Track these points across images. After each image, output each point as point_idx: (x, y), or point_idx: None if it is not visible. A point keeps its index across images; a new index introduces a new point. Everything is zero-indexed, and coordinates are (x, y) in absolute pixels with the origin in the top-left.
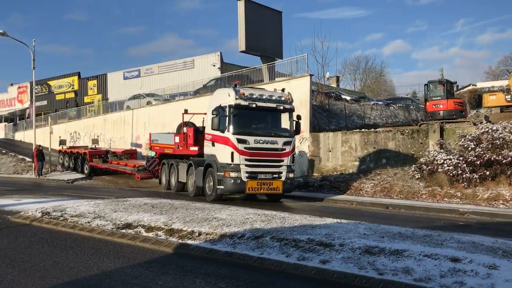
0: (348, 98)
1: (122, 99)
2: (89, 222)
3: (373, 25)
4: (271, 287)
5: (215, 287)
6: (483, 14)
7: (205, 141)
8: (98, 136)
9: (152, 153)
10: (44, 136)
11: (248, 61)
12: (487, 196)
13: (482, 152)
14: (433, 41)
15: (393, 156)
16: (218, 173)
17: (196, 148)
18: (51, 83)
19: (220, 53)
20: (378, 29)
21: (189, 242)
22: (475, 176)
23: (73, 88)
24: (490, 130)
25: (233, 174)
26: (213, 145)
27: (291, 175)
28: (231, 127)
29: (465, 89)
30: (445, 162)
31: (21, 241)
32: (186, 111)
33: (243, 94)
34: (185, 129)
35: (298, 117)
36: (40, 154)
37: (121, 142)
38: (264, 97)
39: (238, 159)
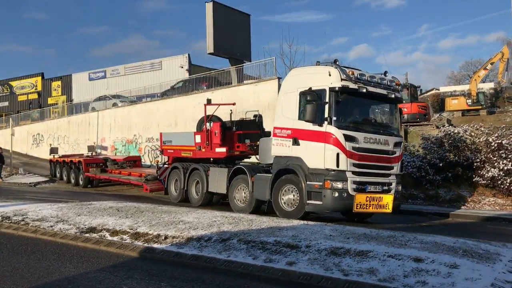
0: None
1: (87, 101)
2: (51, 226)
3: (338, 30)
4: None
5: None
6: (445, 19)
7: (274, 138)
8: (90, 141)
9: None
10: (5, 138)
11: (216, 63)
12: (449, 197)
13: (444, 155)
14: (397, 46)
15: None
16: (309, 183)
17: (223, 150)
18: (13, 83)
19: (188, 54)
20: (343, 34)
21: (155, 245)
22: (437, 178)
23: (36, 89)
24: (452, 133)
25: (337, 185)
26: (295, 143)
27: (399, 187)
28: (334, 119)
29: (429, 93)
30: (409, 164)
31: None
32: (209, 102)
33: (352, 74)
34: (208, 125)
35: (400, 110)
36: None
37: (86, 144)
38: (374, 80)
39: (345, 163)
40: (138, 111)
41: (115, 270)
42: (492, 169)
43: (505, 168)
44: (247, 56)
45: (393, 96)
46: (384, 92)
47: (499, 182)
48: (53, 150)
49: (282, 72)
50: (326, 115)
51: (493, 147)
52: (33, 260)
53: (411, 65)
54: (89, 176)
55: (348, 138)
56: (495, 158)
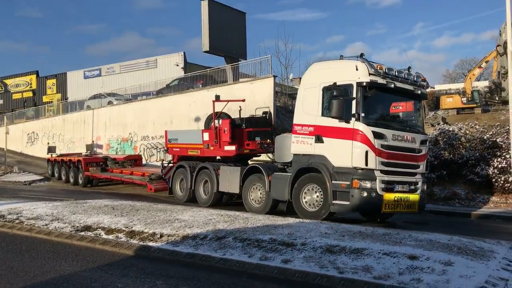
0: None
1: (82, 99)
2: (46, 225)
3: (333, 28)
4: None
5: None
6: (440, 17)
7: (294, 135)
8: (85, 140)
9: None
10: (0, 136)
11: (212, 61)
12: (444, 195)
13: (439, 153)
14: (392, 44)
15: None
16: (334, 182)
17: (233, 148)
18: (8, 81)
19: (184, 53)
20: (338, 32)
21: (151, 244)
22: (432, 175)
23: (31, 87)
24: (446, 131)
25: (366, 184)
26: (318, 140)
27: (425, 186)
28: (362, 115)
29: None
30: None
31: None
32: (218, 98)
33: (380, 69)
34: (217, 122)
35: (424, 107)
36: None
37: (81, 142)
38: (401, 75)
39: (374, 162)
40: (133, 109)
41: (110, 269)
42: (487, 167)
43: (500, 166)
44: (242, 54)
45: (419, 92)
46: (411, 88)
47: (494, 180)
48: (51, 149)
49: (277, 70)
50: (353, 111)
51: (487, 145)
52: (27, 259)
53: (406, 64)
54: (89, 175)
55: (376, 135)
56: (489, 156)
